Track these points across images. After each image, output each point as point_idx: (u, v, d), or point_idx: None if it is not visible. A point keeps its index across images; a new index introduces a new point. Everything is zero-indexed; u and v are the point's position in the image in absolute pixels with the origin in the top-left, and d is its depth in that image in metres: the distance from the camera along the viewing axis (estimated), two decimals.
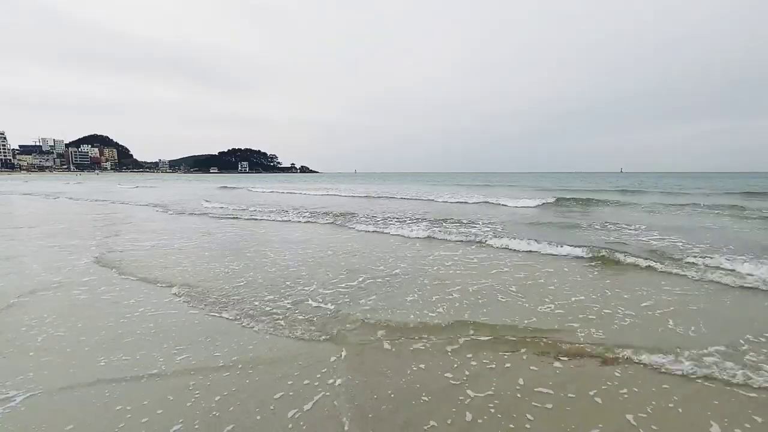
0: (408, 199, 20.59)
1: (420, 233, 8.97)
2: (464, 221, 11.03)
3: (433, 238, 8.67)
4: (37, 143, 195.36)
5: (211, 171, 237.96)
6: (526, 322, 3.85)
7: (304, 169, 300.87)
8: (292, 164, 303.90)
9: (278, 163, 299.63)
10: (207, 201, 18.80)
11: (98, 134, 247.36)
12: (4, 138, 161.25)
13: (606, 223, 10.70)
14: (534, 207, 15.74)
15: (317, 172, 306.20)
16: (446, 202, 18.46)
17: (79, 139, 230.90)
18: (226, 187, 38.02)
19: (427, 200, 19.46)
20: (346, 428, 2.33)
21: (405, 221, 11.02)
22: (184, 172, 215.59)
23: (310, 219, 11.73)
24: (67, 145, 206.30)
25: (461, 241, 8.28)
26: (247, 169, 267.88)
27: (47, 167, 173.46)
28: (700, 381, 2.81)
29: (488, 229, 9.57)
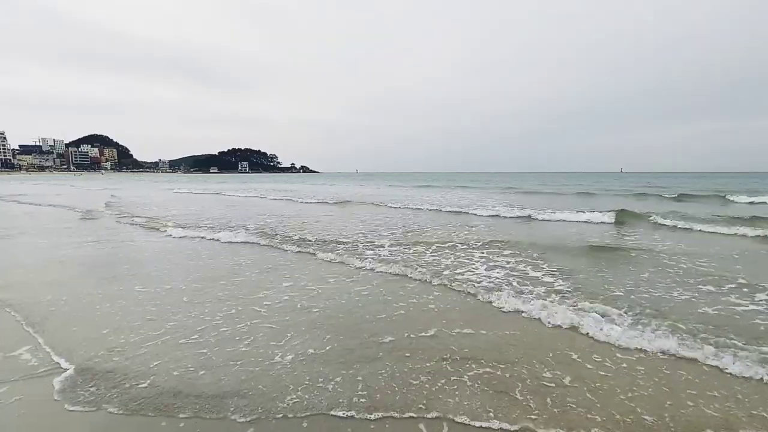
0: (395, 207, 17.11)
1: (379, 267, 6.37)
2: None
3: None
4: (37, 143, 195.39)
5: (211, 171, 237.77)
6: None
7: (304, 169, 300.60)
8: (292, 164, 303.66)
9: (278, 163, 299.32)
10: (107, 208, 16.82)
11: (98, 134, 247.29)
12: (4, 138, 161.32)
13: None
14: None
15: (317, 172, 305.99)
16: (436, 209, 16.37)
17: (79, 139, 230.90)
18: (192, 192, 36.68)
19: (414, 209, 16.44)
20: None
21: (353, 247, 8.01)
22: (184, 172, 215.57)
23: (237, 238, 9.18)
24: (67, 145, 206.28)
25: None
26: (247, 169, 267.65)
27: (47, 167, 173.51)
28: None
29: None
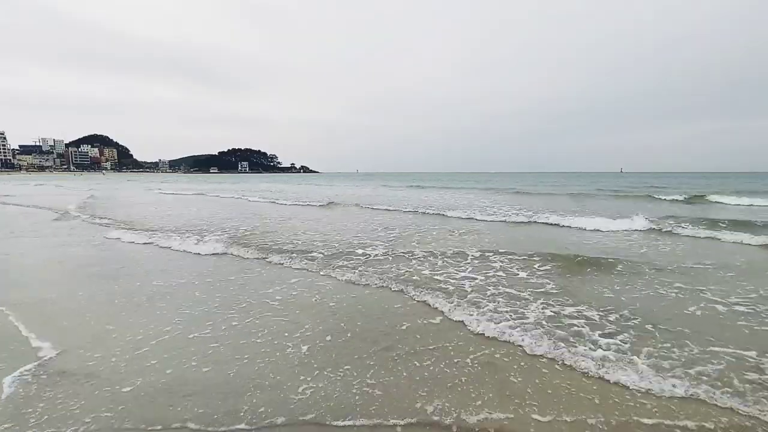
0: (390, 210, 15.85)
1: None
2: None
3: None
4: (37, 143, 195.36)
5: (212, 171, 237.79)
6: None
7: (304, 169, 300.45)
8: (292, 164, 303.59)
9: (278, 163, 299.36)
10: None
11: (98, 134, 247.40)
12: (4, 138, 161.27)
13: None
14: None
15: (317, 172, 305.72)
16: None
17: (79, 139, 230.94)
18: (172, 193, 36.60)
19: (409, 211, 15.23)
20: None
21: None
22: (184, 172, 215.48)
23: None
24: (67, 145, 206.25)
25: None
26: (247, 169, 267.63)
27: (47, 167, 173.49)
28: None
29: None
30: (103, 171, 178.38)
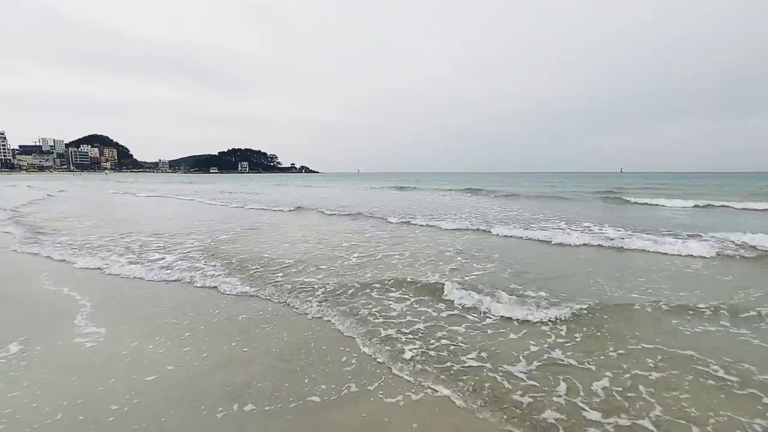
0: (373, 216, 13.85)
1: None
2: None
3: None
4: (37, 143, 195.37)
5: (211, 171, 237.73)
6: None
7: (304, 169, 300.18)
8: (292, 164, 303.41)
9: (278, 163, 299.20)
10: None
11: (98, 134, 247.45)
12: (4, 138, 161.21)
13: None
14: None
15: (317, 172, 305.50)
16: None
17: (79, 139, 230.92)
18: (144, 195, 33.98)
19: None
20: None
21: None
22: (184, 172, 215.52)
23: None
24: (67, 145, 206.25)
25: None
26: (247, 169, 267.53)
27: (47, 167, 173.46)
28: None
29: None
30: (105, 171, 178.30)
